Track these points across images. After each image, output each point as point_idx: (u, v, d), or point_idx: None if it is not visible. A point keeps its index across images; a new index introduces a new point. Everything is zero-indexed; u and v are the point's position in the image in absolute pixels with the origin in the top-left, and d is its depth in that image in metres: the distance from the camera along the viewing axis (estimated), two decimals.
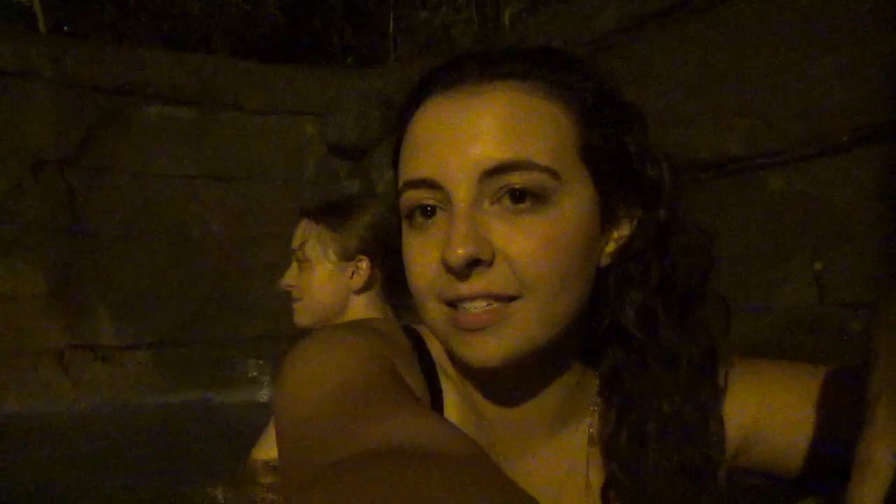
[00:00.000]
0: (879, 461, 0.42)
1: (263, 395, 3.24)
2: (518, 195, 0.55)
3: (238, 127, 3.91)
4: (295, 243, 1.55)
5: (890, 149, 1.81)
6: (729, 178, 2.15)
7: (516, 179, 0.55)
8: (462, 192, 0.56)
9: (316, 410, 0.50)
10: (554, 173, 0.55)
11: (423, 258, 0.59)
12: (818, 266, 1.89)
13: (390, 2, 5.19)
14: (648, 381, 0.62)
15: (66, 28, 4.45)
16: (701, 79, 2.22)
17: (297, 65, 4.23)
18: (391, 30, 5.17)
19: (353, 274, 1.51)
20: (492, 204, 0.56)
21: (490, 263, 0.56)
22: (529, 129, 0.56)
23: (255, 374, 3.59)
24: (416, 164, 0.58)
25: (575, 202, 0.57)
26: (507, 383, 0.63)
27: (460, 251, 0.54)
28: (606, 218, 0.60)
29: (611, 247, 0.62)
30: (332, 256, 1.50)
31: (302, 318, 1.55)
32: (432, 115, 0.58)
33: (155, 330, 3.56)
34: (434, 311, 0.59)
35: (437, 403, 0.63)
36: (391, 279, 1.52)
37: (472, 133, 0.55)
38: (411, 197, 0.59)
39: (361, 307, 1.50)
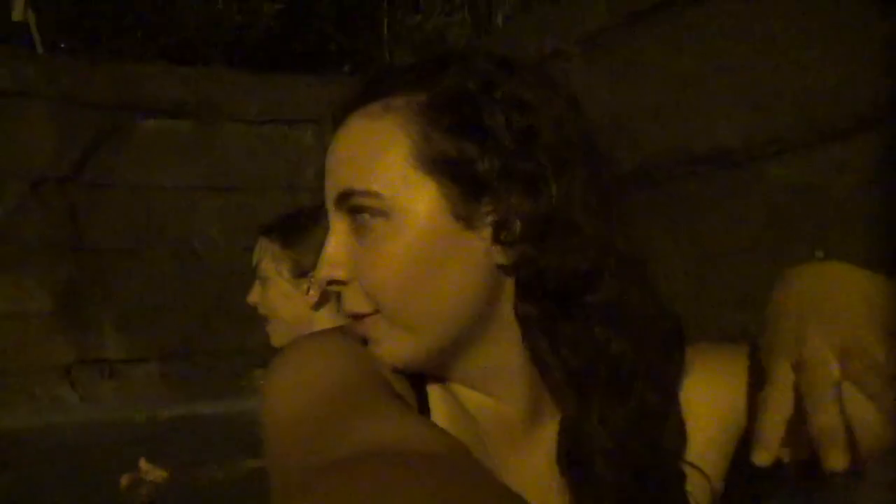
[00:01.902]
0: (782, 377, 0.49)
1: None
2: (358, 219, 0.60)
3: (237, 137, 3.92)
4: (254, 261, 1.56)
5: (887, 135, 1.81)
6: (727, 169, 2.15)
7: (351, 206, 0.60)
8: (332, 218, 0.62)
9: (301, 415, 0.51)
10: (375, 194, 0.59)
11: None
12: (819, 254, 1.88)
13: (384, 7, 5.20)
14: (574, 398, 0.63)
15: (62, 47, 4.46)
16: (695, 72, 2.22)
17: (293, 73, 4.24)
18: (385, 35, 5.18)
19: (308, 290, 1.48)
20: (350, 229, 0.61)
21: (348, 283, 0.61)
22: (353, 157, 0.61)
23: (261, 383, 3.58)
24: None
25: (409, 214, 0.59)
26: (471, 379, 0.65)
27: (320, 272, 0.61)
28: (468, 216, 0.59)
29: (505, 237, 0.60)
30: (286, 273, 1.49)
31: (274, 338, 1.55)
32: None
33: (160, 342, 3.57)
34: None
35: (422, 403, 0.64)
36: None
37: (328, 166, 0.62)
38: None
39: (326, 322, 1.45)
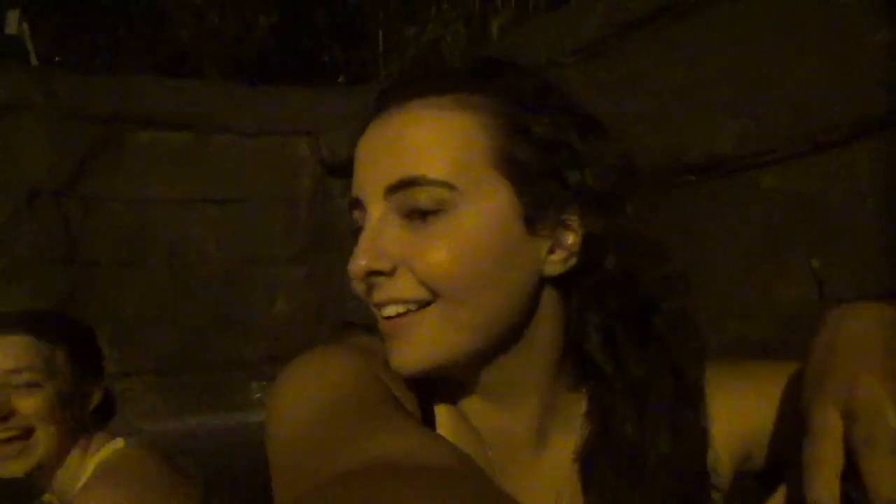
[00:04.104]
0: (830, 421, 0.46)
1: None
2: (419, 209, 0.58)
3: (231, 149, 3.92)
4: None
5: (883, 143, 1.81)
6: (722, 179, 2.15)
7: (414, 195, 0.58)
8: (372, 208, 0.60)
9: (308, 429, 0.50)
10: (449, 185, 0.58)
11: None
12: (815, 263, 1.89)
13: (379, 19, 5.23)
14: (617, 405, 0.62)
15: (57, 59, 4.47)
16: (689, 81, 2.22)
17: (288, 85, 4.25)
18: (381, 47, 5.20)
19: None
20: (400, 218, 0.59)
21: (391, 274, 0.59)
22: (428, 145, 0.59)
23: (258, 395, 3.58)
24: (351, 186, 0.63)
25: (481, 210, 0.58)
26: (482, 393, 0.64)
27: (359, 262, 0.58)
28: (535, 223, 0.60)
29: (559, 255, 0.62)
30: None
31: None
32: (362, 139, 0.63)
33: (155, 355, 3.56)
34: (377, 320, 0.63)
35: (428, 418, 0.63)
36: None
37: (381, 153, 0.60)
38: (352, 218, 0.63)
39: None
